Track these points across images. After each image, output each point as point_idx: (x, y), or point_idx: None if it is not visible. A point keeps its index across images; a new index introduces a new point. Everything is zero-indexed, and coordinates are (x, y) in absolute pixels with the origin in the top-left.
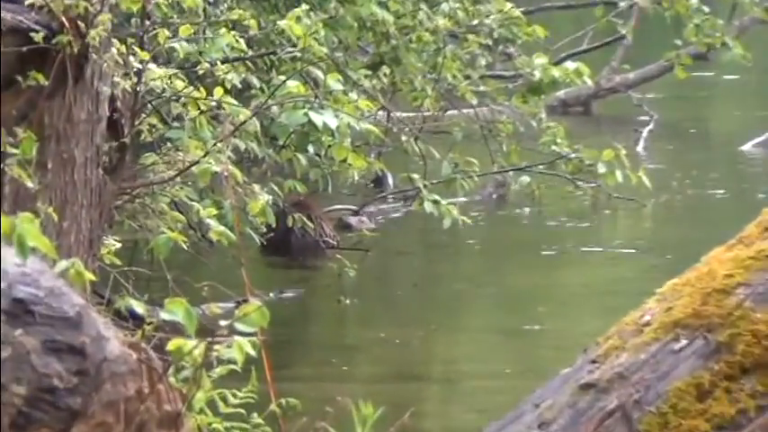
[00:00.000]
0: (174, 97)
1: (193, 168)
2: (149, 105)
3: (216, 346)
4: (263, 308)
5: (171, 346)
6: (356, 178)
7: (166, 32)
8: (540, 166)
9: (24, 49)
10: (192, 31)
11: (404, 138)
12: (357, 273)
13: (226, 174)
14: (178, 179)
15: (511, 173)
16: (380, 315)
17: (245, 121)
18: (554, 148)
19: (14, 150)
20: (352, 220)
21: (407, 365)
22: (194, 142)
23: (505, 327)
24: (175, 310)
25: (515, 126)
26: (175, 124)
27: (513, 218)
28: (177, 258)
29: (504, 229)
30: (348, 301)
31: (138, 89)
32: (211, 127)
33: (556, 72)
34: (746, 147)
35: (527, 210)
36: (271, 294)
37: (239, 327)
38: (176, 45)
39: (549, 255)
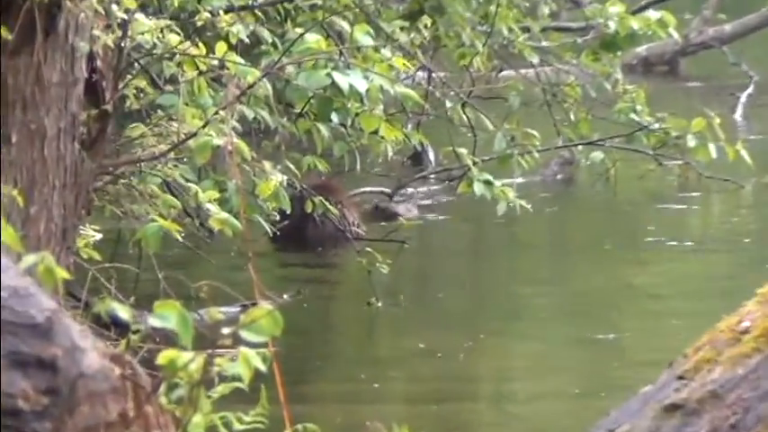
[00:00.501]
0: (166, 55)
1: (190, 142)
2: (136, 65)
3: (217, 360)
4: (274, 312)
5: (162, 359)
6: (390, 154)
7: None
8: (616, 140)
9: None
10: None
11: (448, 104)
12: (391, 270)
13: (230, 148)
14: (171, 155)
15: (579, 147)
16: (419, 321)
17: (253, 84)
18: (633, 116)
19: None
20: (400, 207)
21: (452, 382)
22: (191, 110)
23: (572, 336)
24: (167, 316)
25: (585, 90)
26: (168, 88)
27: (583, 203)
28: (170, 252)
29: (571, 216)
30: (380, 304)
31: (122, 45)
32: (212, 91)
33: (635, 23)
34: None
35: (599, 193)
36: (285, 296)
37: (246, 336)
38: None
39: (626, 248)
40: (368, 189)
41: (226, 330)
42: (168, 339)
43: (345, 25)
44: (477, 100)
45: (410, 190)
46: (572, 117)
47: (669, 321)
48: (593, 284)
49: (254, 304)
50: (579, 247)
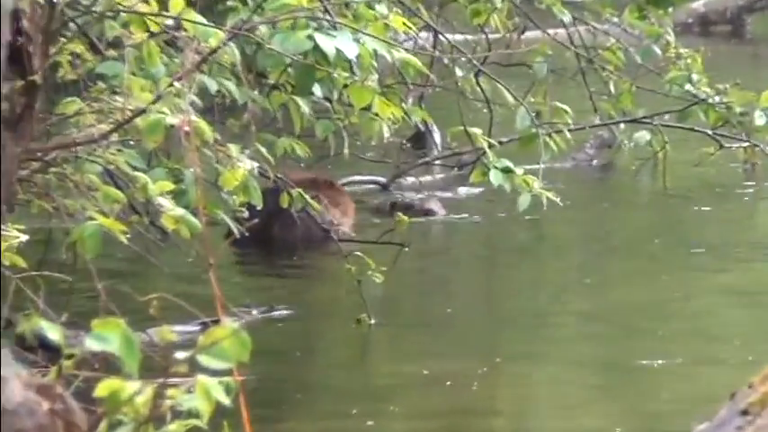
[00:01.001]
0: (109, 13)
1: (138, 120)
2: (72, 25)
3: (170, 391)
4: (241, 332)
5: (102, 390)
6: (386, 136)
7: None
8: (666, 116)
9: None
10: None
11: (459, 73)
12: (387, 279)
13: (187, 128)
14: (115, 137)
15: (621, 126)
16: (423, 342)
17: (216, 49)
18: (688, 88)
19: None
20: (433, 203)
21: (463, 417)
22: (140, 81)
23: (610, 361)
24: (108, 337)
25: (628, 55)
26: (111, 54)
27: (624, 195)
28: (113, 258)
29: (610, 212)
30: (373, 322)
31: (54, 0)
32: (166, 58)
33: None
34: None
35: (645, 183)
36: (254, 312)
37: (205, 361)
38: None
39: (678, 252)
40: (357, 178)
41: (181, 355)
42: (110, 366)
43: None
44: (494, 68)
45: (410, 179)
46: (612, 88)
47: (730, 344)
48: (637, 297)
49: (216, 322)
50: (620, 250)
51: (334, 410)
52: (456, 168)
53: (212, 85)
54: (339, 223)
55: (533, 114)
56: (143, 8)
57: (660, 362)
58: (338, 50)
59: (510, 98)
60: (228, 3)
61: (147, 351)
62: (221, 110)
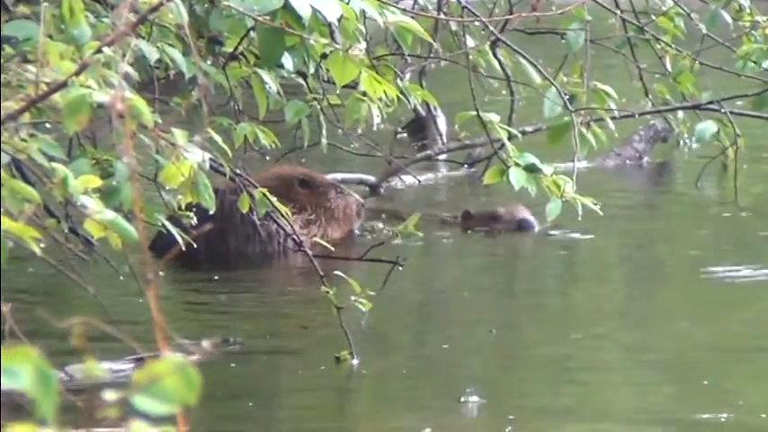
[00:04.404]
0: None
1: (56, 97)
2: None
3: None
4: (187, 367)
5: None
6: (376, 121)
7: None
8: (739, 102)
9: None
10: None
11: (470, 43)
12: (376, 306)
13: (119, 107)
14: (26, 117)
15: (679, 114)
16: (417, 388)
17: (157, 6)
18: (766, 65)
19: None
20: (525, 212)
21: None
22: (59, 46)
23: (662, 417)
24: (18, 371)
25: (688, 21)
26: (22, 10)
27: (681, 205)
28: (23, 272)
29: (662, 228)
30: (355, 361)
31: None
32: (92, 17)
33: None
34: None
35: (709, 190)
36: (204, 343)
37: (142, 404)
38: None
39: (748, 284)
40: (338, 176)
41: (110, 396)
42: (17, 409)
43: None
44: (516, 36)
45: (407, 179)
46: (668, 65)
47: None
48: (690, 336)
49: (156, 356)
50: (672, 277)
51: None
52: (466, 165)
53: (152, 53)
54: (311, 234)
55: (566, 97)
56: None
57: (726, 415)
58: (315, 10)
59: (536, 76)
60: None
61: (67, 391)
62: (163, 85)
